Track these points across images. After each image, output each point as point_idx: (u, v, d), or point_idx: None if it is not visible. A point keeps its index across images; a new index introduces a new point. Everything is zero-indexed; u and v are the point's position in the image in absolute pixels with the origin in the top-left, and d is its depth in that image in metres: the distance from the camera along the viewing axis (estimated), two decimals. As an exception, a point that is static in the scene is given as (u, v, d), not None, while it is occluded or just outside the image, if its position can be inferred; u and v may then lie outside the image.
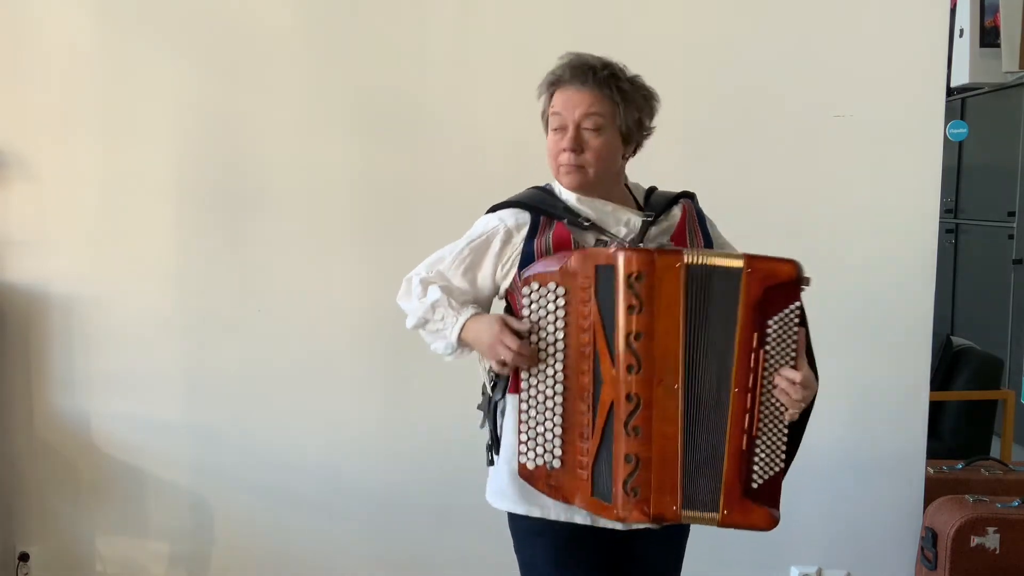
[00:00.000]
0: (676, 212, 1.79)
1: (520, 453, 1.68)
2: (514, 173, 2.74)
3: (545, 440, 1.66)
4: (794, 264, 1.61)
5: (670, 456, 1.60)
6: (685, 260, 1.58)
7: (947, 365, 3.86)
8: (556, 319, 1.64)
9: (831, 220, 2.76)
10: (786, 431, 1.64)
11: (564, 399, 1.65)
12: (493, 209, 1.80)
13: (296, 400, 2.84)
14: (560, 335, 1.64)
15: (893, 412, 2.80)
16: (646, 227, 1.72)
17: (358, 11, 2.74)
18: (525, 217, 1.74)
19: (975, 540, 2.62)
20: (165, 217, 2.80)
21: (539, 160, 2.72)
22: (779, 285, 1.60)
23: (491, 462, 1.82)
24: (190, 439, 2.86)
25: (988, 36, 4.78)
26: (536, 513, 1.73)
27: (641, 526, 1.69)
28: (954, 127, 5.03)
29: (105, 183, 2.79)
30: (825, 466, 2.75)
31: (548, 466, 1.66)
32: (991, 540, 2.62)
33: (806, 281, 1.62)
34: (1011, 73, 4.71)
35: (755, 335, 1.59)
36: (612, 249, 1.61)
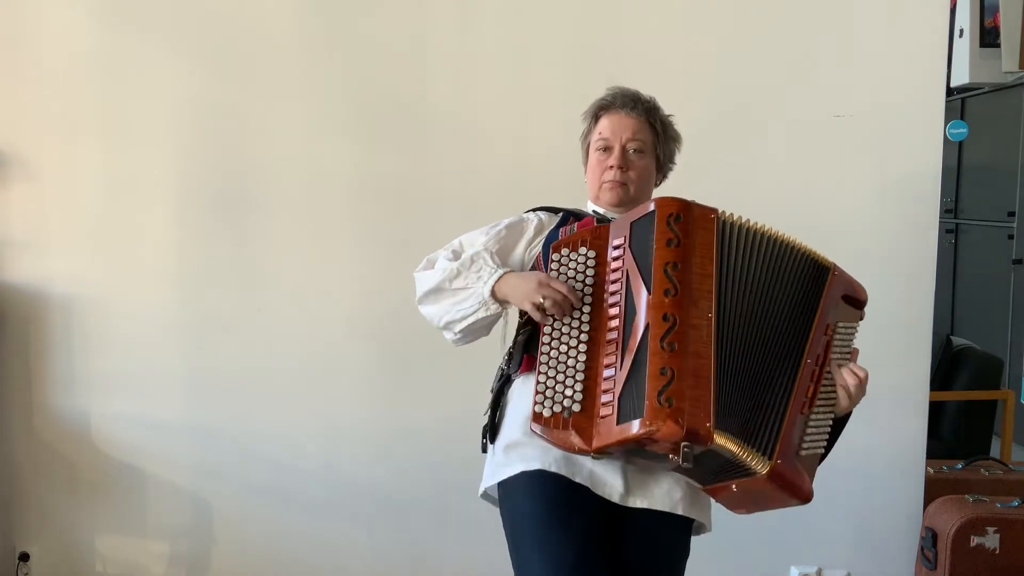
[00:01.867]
0: None
1: (536, 404, 1.66)
2: (514, 173, 2.77)
3: (565, 387, 1.67)
4: (865, 290, 1.84)
5: (703, 375, 1.60)
6: (719, 213, 1.70)
7: (947, 365, 3.86)
8: (585, 276, 1.71)
9: (831, 220, 2.75)
10: (831, 422, 1.73)
11: (588, 348, 1.68)
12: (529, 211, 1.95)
13: (296, 400, 2.84)
14: (588, 291, 1.71)
15: (893, 412, 2.80)
16: None
17: (358, 11, 2.74)
18: (556, 217, 1.90)
19: (975, 540, 2.62)
20: (165, 217, 2.80)
21: (539, 160, 2.74)
22: (851, 299, 1.80)
23: (484, 448, 1.84)
24: (190, 439, 2.86)
25: (988, 36, 4.78)
26: (534, 466, 1.71)
27: (643, 504, 1.70)
28: (954, 127, 5.03)
29: (105, 183, 2.79)
30: (825, 466, 2.73)
31: (566, 412, 1.65)
32: (991, 540, 2.62)
33: (864, 313, 1.82)
34: (1011, 73, 4.71)
35: (827, 324, 1.74)
36: (650, 202, 1.71)
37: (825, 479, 2.76)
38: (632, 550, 1.77)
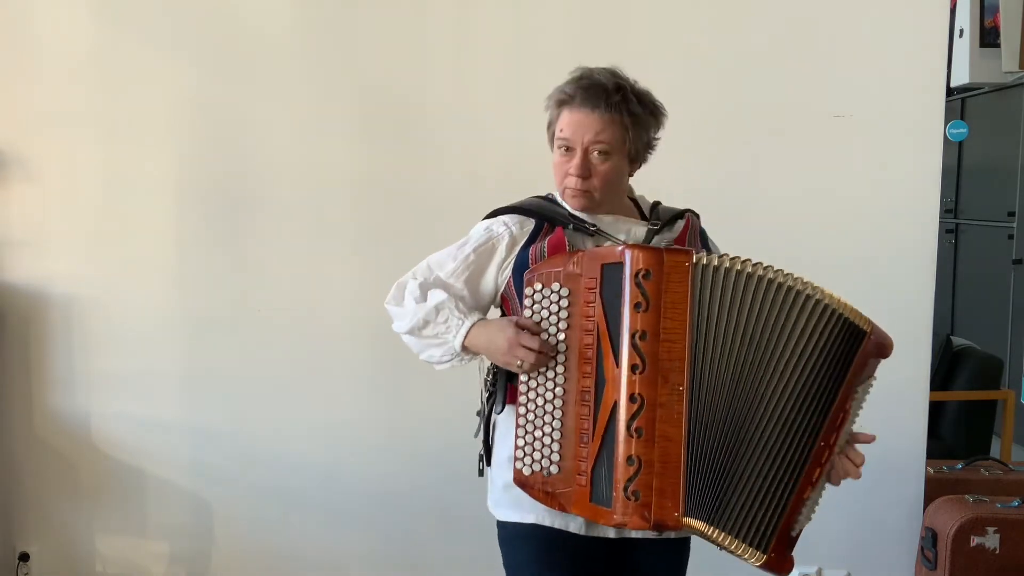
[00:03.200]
0: (679, 225, 1.77)
1: (516, 459, 1.63)
2: (514, 173, 2.76)
3: (543, 445, 1.62)
4: (891, 342, 1.63)
5: (672, 459, 1.54)
6: (694, 260, 1.54)
7: (947, 365, 3.86)
8: (559, 320, 1.61)
9: (831, 220, 2.76)
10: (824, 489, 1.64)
11: (564, 403, 1.61)
12: (494, 214, 1.78)
13: (296, 400, 2.84)
14: (562, 336, 1.61)
15: (893, 412, 2.79)
16: (651, 235, 1.71)
17: (358, 11, 2.74)
18: (529, 224, 1.73)
19: (975, 540, 2.62)
20: (165, 217, 2.80)
21: (539, 160, 2.73)
22: (878, 357, 1.62)
23: (481, 472, 1.80)
24: (190, 439, 2.86)
25: (988, 36, 4.78)
26: (529, 519, 1.70)
27: (639, 534, 1.65)
28: (954, 127, 5.03)
29: (105, 183, 2.79)
30: (825, 466, 2.74)
31: (545, 472, 1.61)
32: (991, 540, 2.62)
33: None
34: (1011, 73, 4.71)
35: (850, 395, 1.59)
36: (620, 248, 1.58)
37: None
38: (638, 573, 1.77)
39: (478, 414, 1.80)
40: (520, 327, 1.62)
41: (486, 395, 1.76)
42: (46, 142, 2.77)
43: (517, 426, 1.64)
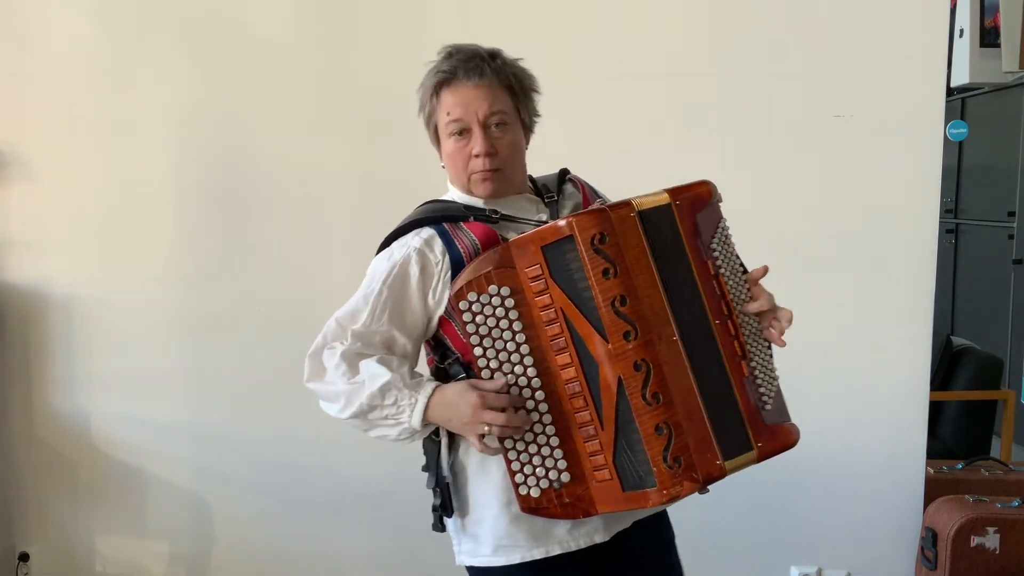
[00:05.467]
0: (572, 188, 1.68)
1: (517, 485, 1.49)
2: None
3: (543, 459, 1.48)
4: (708, 183, 1.56)
5: (695, 412, 1.46)
6: (636, 208, 1.46)
7: (947, 365, 3.86)
8: (511, 323, 1.47)
9: (831, 220, 2.76)
10: (767, 344, 1.58)
11: (550, 406, 1.48)
12: (385, 243, 1.63)
13: (296, 400, 2.83)
14: (521, 339, 1.47)
15: (893, 412, 2.80)
16: (554, 207, 1.61)
17: (358, 12, 2.74)
18: (428, 231, 1.56)
19: (975, 540, 2.62)
20: (165, 217, 2.80)
21: (539, 160, 2.74)
22: (705, 208, 1.54)
23: (441, 526, 1.65)
24: (190, 439, 2.86)
25: (988, 36, 4.78)
26: (556, 551, 1.57)
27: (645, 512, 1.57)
28: (954, 127, 5.03)
29: (105, 183, 2.79)
30: (825, 466, 2.75)
31: (555, 484, 1.48)
32: (991, 540, 2.62)
33: (720, 196, 1.58)
34: (1011, 73, 4.71)
35: (708, 263, 1.53)
36: (560, 223, 1.45)
37: (825, 479, 2.78)
38: (645, 565, 1.71)
39: (424, 469, 1.66)
40: (479, 388, 1.46)
41: (436, 443, 1.60)
42: (46, 142, 2.77)
43: (505, 453, 1.49)
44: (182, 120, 2.77)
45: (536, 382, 1.48)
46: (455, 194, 1.64)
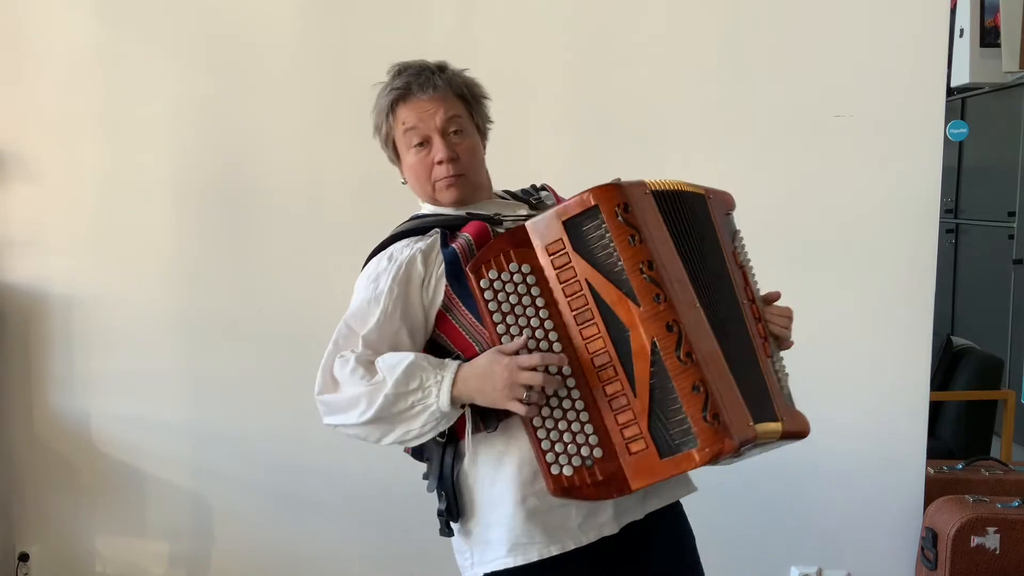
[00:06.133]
0: (547, 195, 1.74)
1: (549, 465, 1.46)
2: (514, 172, 2.76)
3: (574, 435, 1.44)
4: (728, 193, 1.72)
5: (724, 374, 1.47)
6: (650, 187, 1.53)
7: (947, 365, 3.86)
8: (533, 300, 1.47)
9: (831, 220, 2.76)
10: (777, 343, 1.69)
11: (577, 381, 1.45)
12: (378, 250, 1.61)
13: (296, 400, 2.83)
14: (544, 315, 1.46)
15: (893, 412, 2.80)
16: (543, 206, 1.65)
17: (358, 11, 2.73)
18: (423, 233, 1.57)
19: (975, 540, 2.62)
20: (165, 217, 2.80)
21: (539, 160, 2.74)
22: (729, 212, 1.71)
23: (447, 531, 1.62)
24: (190, 439, 2.86)
25: (988, 36, 4.78)
26: (570, 546, 1.54)
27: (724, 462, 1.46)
28: (954, 127, 5.03)
29: (105, 183, 2.79)
30: (825, 466, 2.75)
31: (588, 462, 1.44)
32: (991, 540, 2.62)
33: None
34: (1011, 73, 4.71)
35: (733, 252, 1.66)
36: (583, 195, 1.47)
37: (825, 479, 2.78)
38: (659, 556, 1.68)
39: (425, 476, 1.64)
40: (505, 352, 1.44)
41: (440, 445, 1.57)
42: (46, 142, 2.77)
43: (535, 432, 1.46)
44: (182, 120, 2.77)
45: (565, 364, 1.46)
46: (428, 208, 1.65)
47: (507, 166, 2.73)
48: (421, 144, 1.59)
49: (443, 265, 1.52)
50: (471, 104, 1.63)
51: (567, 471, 1.45)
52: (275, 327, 2.81)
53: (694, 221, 1.58)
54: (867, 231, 2.76)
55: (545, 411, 1.46)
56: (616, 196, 1.46)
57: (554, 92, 2.74)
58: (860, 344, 2.77)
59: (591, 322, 1.46)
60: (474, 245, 1.53)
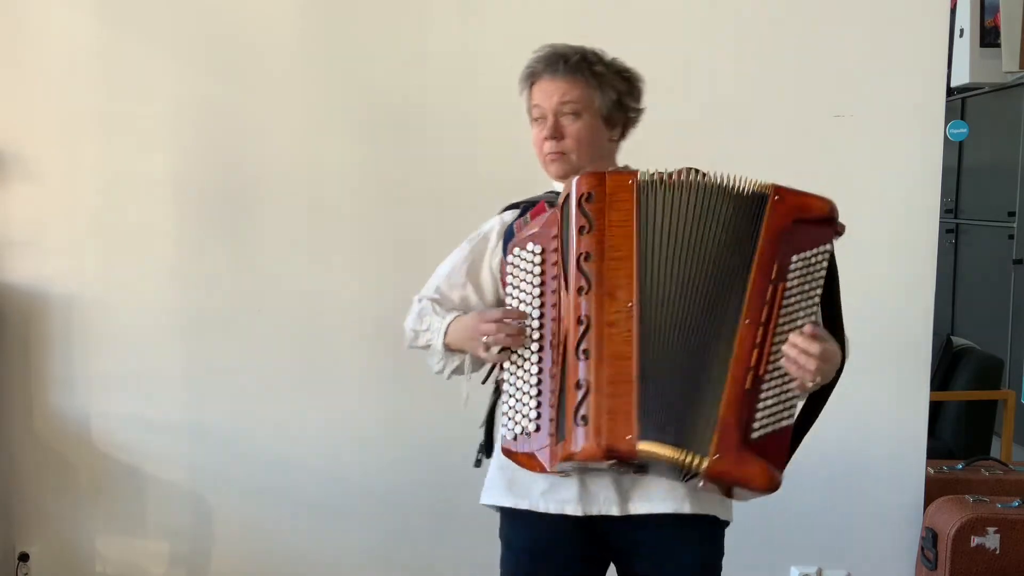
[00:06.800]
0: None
1: (504, 427, 1.58)
2: (513, 173, 2.75)
3: (523, 406, 1.55)
4: (828, 201, 1.55)
5: (624, 378, 1.45)
6: (638, 178, 1.53)
7: (947, 365, 3.86)
8: (533, 277, 1.58)
9: (831, 220, 2.76)
10: (795, 388, 1.49)
11: (540, 359, 1.55)
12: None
13: (296, 400, 2.84)
14: (536, 292, 1.57)
15: (893, 412, 2.80)
16: None
17: (358, 11, 2.74)
18: (515, 212, 1.77)
19: (975, 540, 2.62)
20: (165, 217, 2.80)
21: (537, 160, 2.74)
22: (810, 220, 1.52)
23: (478, 463, 1.79)
24: (190, 439, 2.86)
25: (988, 36, 4.78)
26: (523, 505, 1.67)
27: (601, 466, 1.51)
28: (954, 127, 5.03)
29: (105, 183, 2.79)
30: (825, 466, 2.74)
31: (524, 433, 1.54)
32: (991, 540, 2.62)
33: (840, 226, 1.56)
34: (1011, 73, 4.71)
35: (775, 266, 1.48)
36: (572, 180, 1.57)
37: (826, 479, 2.78)
38: (646, 563, 1.69)
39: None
40: (483, 312, 1.64)
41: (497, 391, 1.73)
42: (46, 142, 2.77)
43: (504, 394, 1.59)
44: (182, 120, 2.77)
45: (536, 334, 1.56)
46: (555, 185, 1.77)
47: (507, 164, 2.75)
48: (539, 120, 1.74)
49: (501, 241, 1.72)
50: (596, 89, 1.71)
51: (508, 435, 1.56)
52: (275, 327, 2.81)
53: (692, 220, 1.52)
54: (867, 231, 2.76)
55: (511, 377, 1.57)
56: (586, 185, 1.53)
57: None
58: (860, 344, 2.76)
59: (554, 305, 1.54)
60: (528, 222, 1.68)
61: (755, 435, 1.45)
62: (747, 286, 1.49)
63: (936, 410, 3.61)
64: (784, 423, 1.47)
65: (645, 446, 1.45)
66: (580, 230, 1.52)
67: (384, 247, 2.77)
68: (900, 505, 2.84)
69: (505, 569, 1.76)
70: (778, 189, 1.54)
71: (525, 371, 1.57)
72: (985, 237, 5.14)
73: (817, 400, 1.60)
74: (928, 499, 2.82)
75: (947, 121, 2.98)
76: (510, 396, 1.58)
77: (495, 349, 1.59)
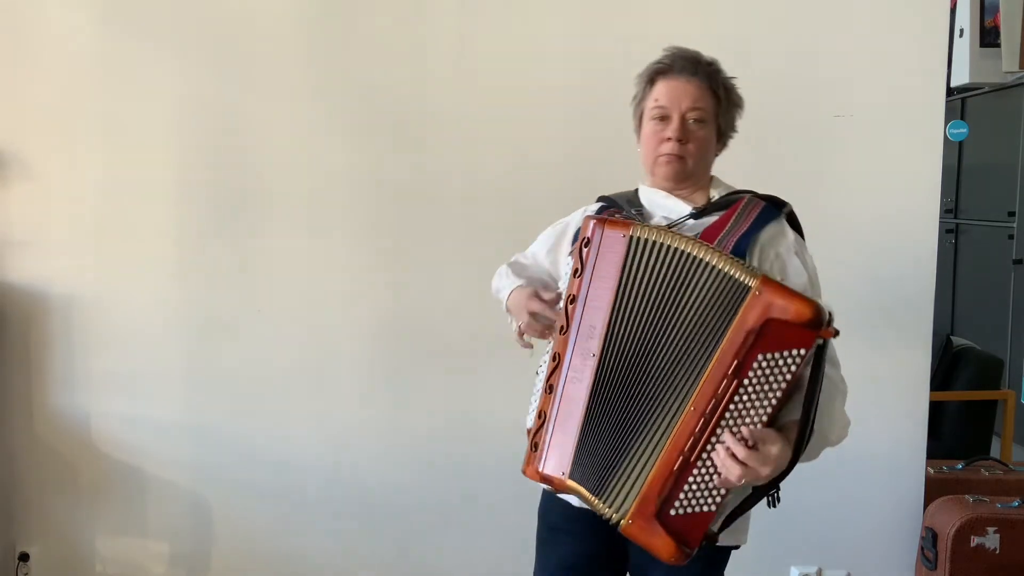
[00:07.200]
0: (730, 206, 1.72)
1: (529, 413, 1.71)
2: (515, 173, 2.77)
3: (533, 402, 1.70)
4: (812, 305, 1.44)
5: (572, 420, 1.60)
6: (632, 233, 1.56)
7: (947, 365, 3.86)
8: (569, 287, 1.66)
9: (831, 220, 2.75)
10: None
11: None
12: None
13: (296, 400, 2.84)
14: (563, 303, 1.66)
15: (893, 412, 2.80)
16: (684, 220, 1.69)
17: (358, 11, 2.74)
18: (598, 206, 1.81)
19: (975, 540, 2.62)
20: (165, 217, 2.80)
21: (540, 160, 2.74)
22: (786, 322, 1.44)
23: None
24: (190, 439, 2.86)
25: (988, 36, 4.78)
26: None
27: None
28: (954, 127, 5.03)
29: (105, 183, 2.79)
30: (825, 466, 2.73)
31: (535, 426, 1.67)
32: (991, 540, 2.62)
33: (829, 330, 1.47)
34: (1011, 73, 4.71)
35: (735, 362, 1.46)
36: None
37: (825, 479, 2.78)
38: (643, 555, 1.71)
39: None
40: (535, 292, 1.70)
41: None
42: (46, 142, 2.77)
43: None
44: (182, 120, 2.77)
45: (553, 345, 1.67)
46: (643, 189, 1.79)
47: (507, 165, 2.75)
48: (662, 119, 1.71)
49: (572, 240, 1.78)
50: (721, 104, 1.73)
51: (527, 424, 1.69)
52: (275, 326, 2.81)
53: (671, 289, 1.52)
54: (867, 231, 2.76)
55: (538, 378, 1.70)
56: (586, 230, 1.61)
57: (553, 92, 2.74)
58: (860, 344, 2.77)
59: (561, 328, 1.64)
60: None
61: (672, 511, 1.52)
62: (703, 374, 1.49)
63: (936, 410, 3.61)
64: (705, 509, 1.51)
65: (572, 484, 1.61)
66: (574, 272, 1.61)
67: (384, 247, 2.77)
68: (900, 505, 2.85)
69: (536, 538, 1.86)
70: (764, 282, 1.45)
71: (540, 373, 1.70)
72: (985, 237, 5.13)
73: (761, 488, 1.57)
74: (928, 499, 2.82)
75: (947, 121, 2.98)
76: (536, 385, 1.71)
77: (523, 326, 1.72)
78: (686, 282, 1.52)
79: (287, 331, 2.82)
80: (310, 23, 2.75)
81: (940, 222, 2.84)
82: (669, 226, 1.64)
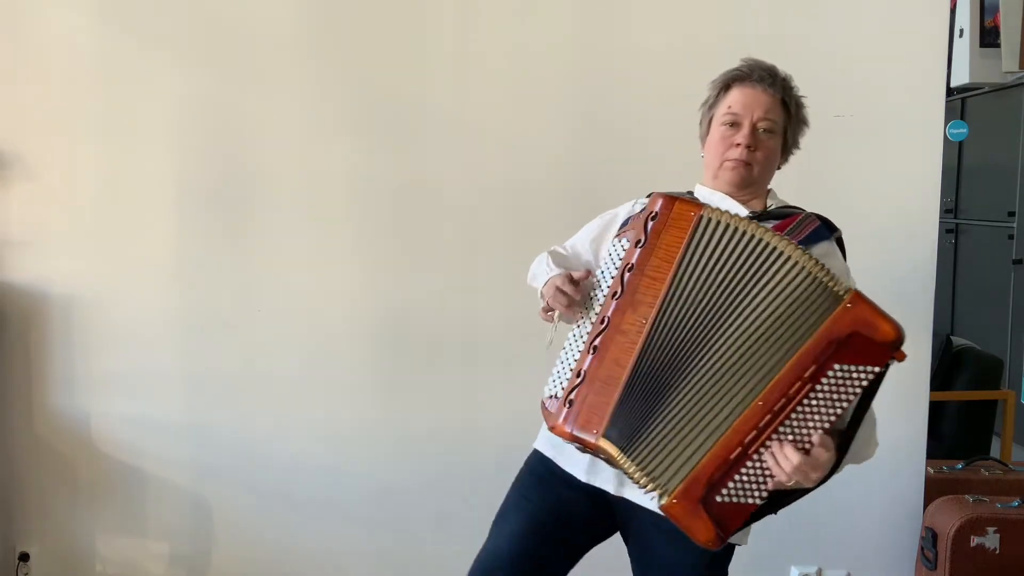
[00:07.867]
0: (783, 224, 1.75)
1: (547, 384, 1.72)
2: (515, 173, 2.77)
3: (560, 372, 1.69)
4: (897, 329, 1.52)
5: (614, 383, 1.59)
6: (704, 213, 1.58)
7: (947, 365, 3.86)
8: (614, 269, 1.67)
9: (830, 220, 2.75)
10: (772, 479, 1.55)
11: (584, 338, 1.68)
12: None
13: (296, 400, 2.84)
14: (608, 281, 1.67)
15: (893, 412, 2.79)
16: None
17: (359, 11, 2.73)
18: (645, 201, 1.78)
19: (975, 540, 2.62)
20: (166, 217, 2.80)
21: (540, 160, 2.74)
22: (871, 340, 1.50)
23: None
24: (190, 439, 2.86)
25: (988, 36, 4.78)
26: (549, 453, 1.81)
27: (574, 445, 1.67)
28: (954, 127, 5.03)
29: (105, 183, 2.79)
30: (825, 466, 2.74)
31: (554, 396, 1.68)
32: (991, 540, 2.62)
33: (901, 352, 1.52)
34: (1011, 73, 4.71)
35: (813, 366, 1.50)
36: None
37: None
38: (634, 546, 1.80)
39: None
40: (568, 275, 1.70)
41: None
42: (46, 142, 2.77)
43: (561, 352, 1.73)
44: (183, 120, 2.77)
45: (593, 315, 1.67)
46: (699, 189, 1.81)
47: (507, 165, 2.75)
48: (732, 125, 1.75)
49: (617, 227, 1.79)
50: (791, 119, 1.78)
51: (546, 392, 1.70)
52: (275, 327, 2.81)
53: (746, 272, 1.54)
54: (867, 231, 2.76)
55: (566, 343, 1.70)
56: (655, 203, 1.64)
57: (554, 92, 2.74)
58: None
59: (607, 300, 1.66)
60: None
61: (719, 498, 1.54)
62: (778, 371, 1.51)
63: (936, 410, 3.61)
64: (749, 500, 1.55)
65: (604, 444, 1.59)
66: (637, 243, 1.62)
67: (384, 247, 2.77)
68: (900, 505, 2.85)
69: (513, 485, 1.88)
70: (856, 296, 1.52)
71: (572, 346, 1.69)
72: (985, 237, 5.13)
73: (791, 493, 1.60)
74: (928, 499, 2.82)
75: (947, 121, 2.98)
76: (559, 360, 1.71)
77: (553, 303, 1.71)
78: (763, 272, 1.54)
79: (287, 331, 2.82)
80: (310, 23, 2.75)
81: (940, 222, 2.84)
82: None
